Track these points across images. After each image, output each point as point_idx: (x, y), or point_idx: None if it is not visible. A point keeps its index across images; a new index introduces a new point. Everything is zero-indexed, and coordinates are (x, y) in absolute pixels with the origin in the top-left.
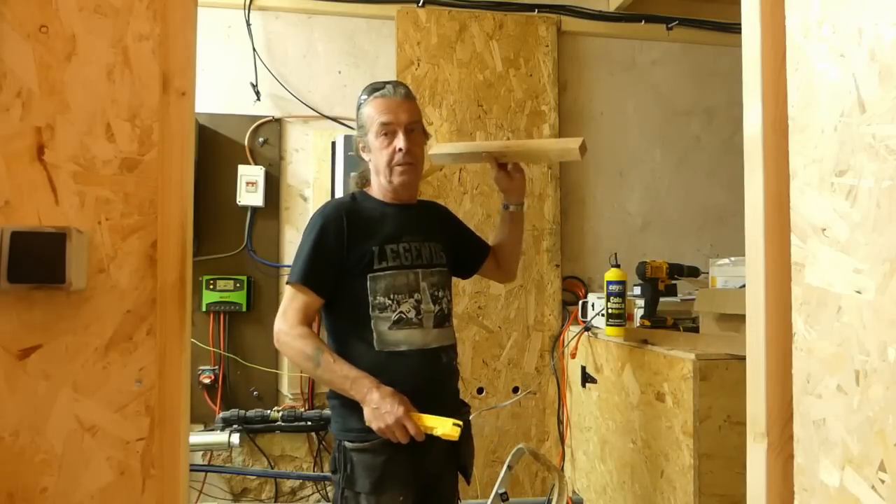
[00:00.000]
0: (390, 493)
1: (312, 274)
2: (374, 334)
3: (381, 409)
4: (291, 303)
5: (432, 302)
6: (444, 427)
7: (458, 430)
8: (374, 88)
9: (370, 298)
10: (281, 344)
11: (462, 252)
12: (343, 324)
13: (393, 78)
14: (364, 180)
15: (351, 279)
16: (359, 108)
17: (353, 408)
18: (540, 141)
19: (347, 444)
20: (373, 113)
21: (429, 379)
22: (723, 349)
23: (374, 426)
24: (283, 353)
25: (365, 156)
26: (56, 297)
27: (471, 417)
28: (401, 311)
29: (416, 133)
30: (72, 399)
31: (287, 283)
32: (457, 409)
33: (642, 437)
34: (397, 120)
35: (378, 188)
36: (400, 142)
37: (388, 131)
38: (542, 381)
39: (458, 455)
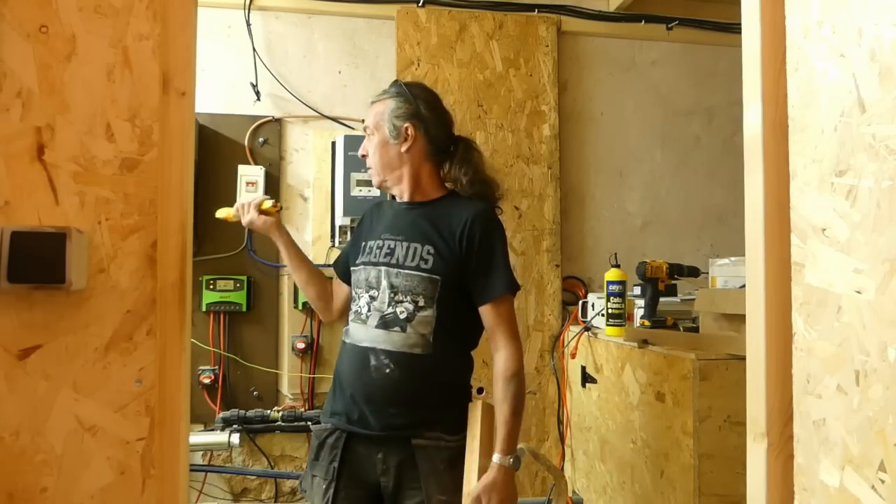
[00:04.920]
0: (318, 478)
1: (337, 262)
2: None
3: None
4: None
5: (387, 303)
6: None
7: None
8: None
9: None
10: None
11: (468, 275)
12: None
13: (393, 78)
14: None
15: None
16: None
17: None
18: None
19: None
20: None
21: (355, 377)
22: (723, 349)
23: None
24: None
25: None
26: (56, 297)
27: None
28: (358, 306)
29: (370, 136)
30: (72, 399)
31: None
32: (399, 429)
33: (642, 437)
34: (366, 127)
35: None
36: (360, 149)
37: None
38: (542, 381)
39: (419, 484)
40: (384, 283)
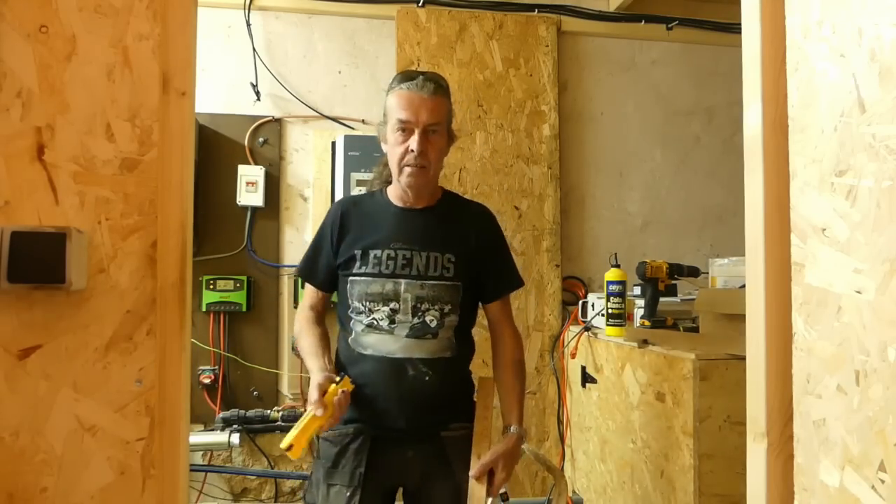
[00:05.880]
0: (338, 486)
1: (307, 269)
2: (353, 332)
3: None
4: (306, 290)
5: (412, 314)
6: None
7: (289, 451)
8: (403, 78)
9: (348, 300)
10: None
11: (482, 274)
12: (340, 312)
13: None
14: (388, 175)
15: (340, 278)
16: (386, 95)
17: None
18: None
19: None
20: (394, 105)
21: (391, 388)
22: (723, 349)
23: None
24: None
25: (384, 147)
26: (56, 297)
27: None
28: (373, 318)
29: (437, 135)
30: (72, 399)
31: None
32: (430, 427)
33: (642, 437)
34: (416, 119)
35: (393, 186)
36: (414, 143)
37: (405, 128)
38: (542, 381)
39: (451, 470)
40: (407, 294)
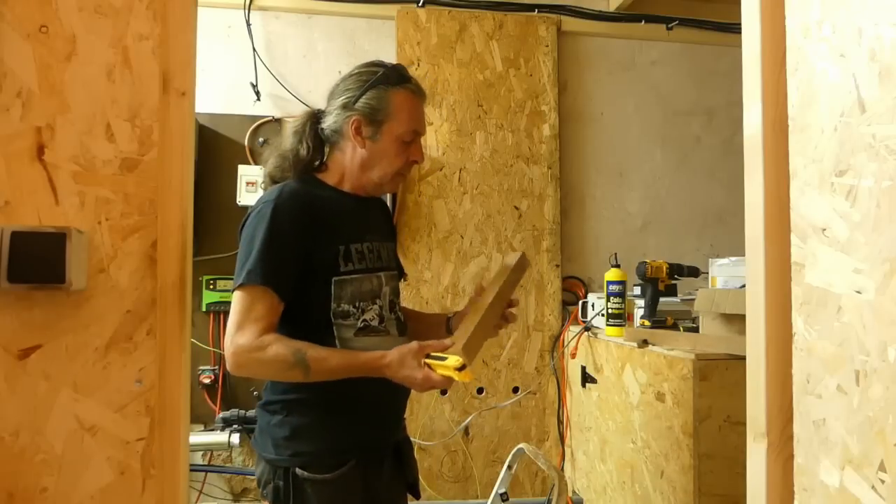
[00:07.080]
0: None
1: (274, 273)
2: (337, 342)
3: (406, 382)
4: (249, 313)
5: (389, 309)
6: (455, 375)
7: (469, 373)
8: (403, 77)
9: (332, 305)
10: (247, 363)
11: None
12: (295, 330)
13: None
14: (309, 161)
15: (311, 282)
16: (377, 85)
17: (309, 425)
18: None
19: (301, 471)
20: (403, 110)
21: (400, 395)
22: (723, 349)
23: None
24: (253, 373)
25: (357, 140)
26: (56, 297)
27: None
28: (365, 319)
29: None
30: (72, 399)
31: (239, 286)
32: (401, 420)
33: (642, 437)
34: (422, 130)
35: (346, 178)
36: (419, 153)
37: (413, 139)
38: (542, 381)
39: (404, 474)
40: (387, 288)
